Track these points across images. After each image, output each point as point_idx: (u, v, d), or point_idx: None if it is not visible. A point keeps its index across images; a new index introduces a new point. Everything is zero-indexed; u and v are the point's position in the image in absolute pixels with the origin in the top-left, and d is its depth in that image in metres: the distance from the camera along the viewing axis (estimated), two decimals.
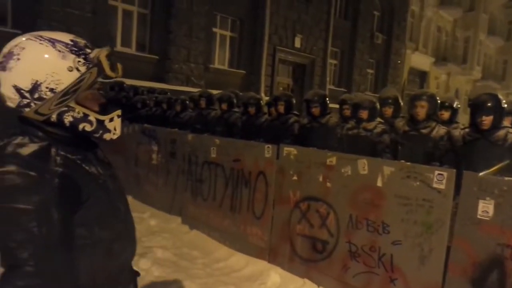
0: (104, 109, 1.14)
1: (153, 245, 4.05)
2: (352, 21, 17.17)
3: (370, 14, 18.10)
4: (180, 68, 11.38)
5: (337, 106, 5.02)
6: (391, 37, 19.62)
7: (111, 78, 1.12)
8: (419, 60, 23.08)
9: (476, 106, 3.26)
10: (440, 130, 3.62)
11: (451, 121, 4.42)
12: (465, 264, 2.53)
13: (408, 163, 2.83)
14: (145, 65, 10.83)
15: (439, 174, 2.63)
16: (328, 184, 3.24)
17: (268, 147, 3.72)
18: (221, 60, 13.08)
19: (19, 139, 1.01)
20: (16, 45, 1.00)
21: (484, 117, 3.19)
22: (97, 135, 1.12)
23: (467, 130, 3.45)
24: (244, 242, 3.88)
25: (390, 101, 4.52)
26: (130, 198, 5.62)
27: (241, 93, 6.40)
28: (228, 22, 13.08)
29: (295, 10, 14.27)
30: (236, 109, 5.82)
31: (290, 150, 3.54)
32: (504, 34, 29.96)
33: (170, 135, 4.98)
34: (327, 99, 4.71)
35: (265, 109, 5.84)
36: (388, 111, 4.50)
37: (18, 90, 1.00)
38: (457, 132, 3.54)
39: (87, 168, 1.09)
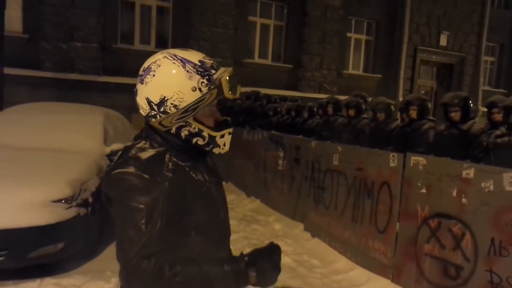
0: (218, 125, 1.22)
1: None
2: None
3: None
4: (312, 76, 11.47)
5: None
6: None
7: (229, 99, 1.20)
8: None
9: None
10: None
11: None
12: None
13: None
14: (279, 74, 11.28)
15: None
16: (464, 200, 2.80)
17: (393, 155, 3.44)
18: (355, 65, 12.69)
19: (141, 143, 1.16)
20: (154, 62, 1.14)
21: None
22: (207, 148, 1.21)
23: None
24: (366, 256, 3.65)
25: None
26: (258, 202, 5.96)
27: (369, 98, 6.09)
28: (363, 26, 12.62)
29: (440, 5, 12.86)
30: (365, 115, 5.56)
31: (418, 160, 3.20)
32: None
33: (295, 141, 5.06)
34: (471, 102, 4.09)
35: (398, 115, 5.42)
36: None
37: (149, 102, 1.14)
38: None
39: (193, 175, 1.18)
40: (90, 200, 3.64)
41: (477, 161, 3.47)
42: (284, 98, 8.77)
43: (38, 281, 3.14)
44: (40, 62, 8.55)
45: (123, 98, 9.05)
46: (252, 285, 1.13)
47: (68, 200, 3.35)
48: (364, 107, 5.63)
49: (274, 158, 5.49)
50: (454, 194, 2.87)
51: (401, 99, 11.86)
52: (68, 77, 8.65)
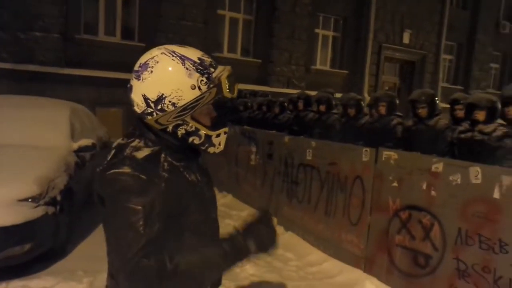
0: (214, 124, 1.20)
1: None
2: (473, 9, 15.31)
3: (494, 0, 15.89)
4: (281, 71, 11.55)
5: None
6: None
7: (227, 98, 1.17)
8: None
9: None
10: None
11: None
12: None
13: None
14: (249, 69, 11.25)
15: None
16: (433, 193, 2.94)
17: (366, 150, 3.54)
18: (323, 61, 12.90)
19: (136, 142, 1.12)
20: (152, 58, 1.10)
21: None
22: (202, 148, 1.20)
23: None
24: (339, 248, 3.76)
25: None
26: (230, 197, 5.95)
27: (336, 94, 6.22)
28: (331, 22, 12.83)
29: (404, 4, 13.30)
30: (335, 111, 5.68)
31: (390, 154, 3.32)
32: None
33: (268, 136, 5.09)
34: (436, 98, 4.29)
35: (367, 111, 5.58)
36: None
37: (145, 99, 1.09)
38: None
39: (187, 176, 1.16)
40: (59, 198, 3.49)
41: (443, 155, 3.65)
42: (254, 93, 8.78)
43: (4, 284, 2.99)
44: None
45: (87, 91, 8.72)
46: (255, 253, 1.14)
47: (35, 199, 3.20)
48: (334, 102, 5.75)
49: (246, 153, 5.50)
50: (424, 187, 3.00)
51: (366, 94, 12.23)
52: (27, 68, 8.20)
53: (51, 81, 8.32)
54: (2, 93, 6.29)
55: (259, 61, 11.36)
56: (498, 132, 3.55)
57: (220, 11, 10.89)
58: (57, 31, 8.52)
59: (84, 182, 4.33)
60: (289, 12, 11.41)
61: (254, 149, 5.34)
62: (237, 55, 11.36)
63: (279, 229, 4.57)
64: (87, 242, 3.94)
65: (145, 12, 9.62)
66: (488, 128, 3.62)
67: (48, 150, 3.80)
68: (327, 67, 12.93)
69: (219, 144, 1.21)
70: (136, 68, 1.12)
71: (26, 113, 4.27)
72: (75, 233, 3.98)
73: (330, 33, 12.88)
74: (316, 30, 12.48)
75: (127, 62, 9.20)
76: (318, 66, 12.69)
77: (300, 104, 6.04)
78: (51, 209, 3.35)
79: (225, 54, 11.07)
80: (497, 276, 2.53)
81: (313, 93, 6.50)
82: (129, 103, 1.15)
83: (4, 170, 3.29)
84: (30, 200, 3.17)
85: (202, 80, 1.10)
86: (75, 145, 4.20)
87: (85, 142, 4.31)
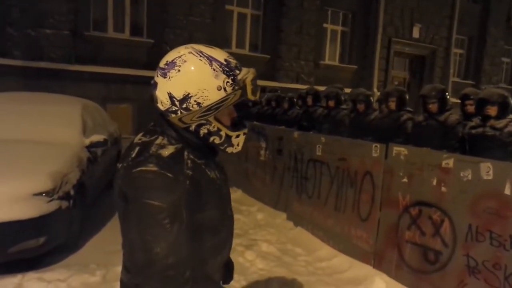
0: (235, 124, 1.22)
1: (258, 238, 4.22)
2: (484, 3, 15.08)
3: None
4: (290, 66, 11.52)
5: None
6: None
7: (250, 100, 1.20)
8: None
9: None
10: None
11: None
12: None
13: None
14: (257, 64, 11.20)
15: None
16: (443, 189, 2.93)
17: (376, 146, 3.54)
18: (331, 56, 12.83)
19: (159, 140, 1.14)
20: (179, 57, 1.11)
21: None
22: (221, 147, 1.22)
23: None
24: (348, 243, 3.77)
25: None
26: (240, 192, 5.97)
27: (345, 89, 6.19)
28: (339, 17, 12.74)
29: None
30: (344, 106, 5.67)
31: (400, 150, 3.31)
32: None
33: (277, 132, 5.10)
34: (447, 94, 4.25)
35: (376, 106, 5.56)
36: None
37: (171, 97, 1.11)
38: None
39: (208, 173, 1.18)
40: (72, 192, 3.55)
41: (453, 151, 3.63)
42: (263, 89, 8.77)
43: (19, 276, 3.06)
44: (7, 50, 8.15)
45: (97, 88, 8.80)
46: None
47: (49, 193, 3.26)
48: (343, 98, 5.74)
49: (256, 148, 5.52)
50: (434, 183, 2.99)
51: (375, 89, 12.16)
52: (38, 65, 8.30)
53: (61, 78, 8.42)
54: (13, 90, 6.39)
55: (268, 56, 11.33)
56: (510, 128, 3.53)
57: (228, 7, 10.88)
58: (67, 28, 8.60)
59: (96, 178, 4.40)
60: (297, 7, 11.35)
61: (263, 144, 5.36)
62: (246, 51, 11.34)
63: (289, 224, 4.62)
64: (99, 237, 4.01)
65: (153, 9, 9.65)
66: (500, 123, 3.59)
67: (61, 146, 3.86)
68: (336, 62, 12.86)
69: (238, 145, 1.23)
70: (162, 65, 1.13)
71: (39, 110, 4.33)
72: (87, 227, 4.05)
73: (339, 28, 12.79)
74: (325, 25, 12.40)
75: (136, 58, 9.29)
76: (327, 61, 12.62)
77: (309, 100, 6.04)
78: (64, 204, 3.41)
79: (233, 49, 11.06)
80: (508, 273, 2.52)
81: (322, 88, 6.49)
82: (153, 99, 1.16)
83: (19, 165, 3.35)
84: (44, 194, 3.22)
85: (228, 82, 1.12)
86: (87, 141, 4.26)
87: (96, 138, 4.37)
